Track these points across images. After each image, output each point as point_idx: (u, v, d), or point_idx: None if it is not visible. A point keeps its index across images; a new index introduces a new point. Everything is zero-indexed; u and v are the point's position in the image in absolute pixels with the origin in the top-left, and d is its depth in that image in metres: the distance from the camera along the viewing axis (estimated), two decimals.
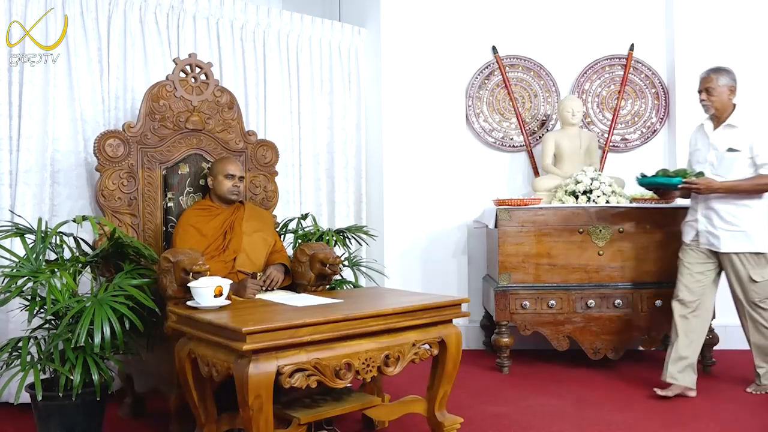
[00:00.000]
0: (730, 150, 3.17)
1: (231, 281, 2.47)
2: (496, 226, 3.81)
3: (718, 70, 3.22)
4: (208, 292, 2.35)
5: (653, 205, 3.77)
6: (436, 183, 4.45)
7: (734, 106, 3.22)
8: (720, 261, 3.25)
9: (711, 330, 3.71)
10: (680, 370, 3.21)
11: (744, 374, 3.67)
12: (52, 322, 2.57)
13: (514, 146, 4.59)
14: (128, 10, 3.45)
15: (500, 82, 4.58)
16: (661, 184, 3.25)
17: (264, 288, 2.80)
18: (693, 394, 3.22)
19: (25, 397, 2.56)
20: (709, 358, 3.73)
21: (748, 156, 3.14)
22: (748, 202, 3.16)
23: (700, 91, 3.24)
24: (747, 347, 4.18)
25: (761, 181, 3.13)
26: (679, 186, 3.18)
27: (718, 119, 3.23)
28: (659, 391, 3.21)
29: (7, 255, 2.58)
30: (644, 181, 3.31)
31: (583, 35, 4.56)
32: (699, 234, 3.27)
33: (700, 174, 3.18)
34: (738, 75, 4.28)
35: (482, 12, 4.55)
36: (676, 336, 3.26)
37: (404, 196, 4.43)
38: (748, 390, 3.31)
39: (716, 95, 3.18)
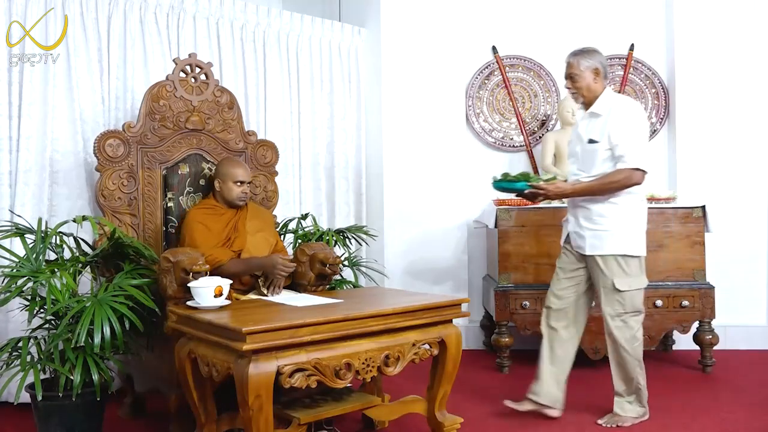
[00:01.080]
0: (591, 141, 2.80)
1: (230, 281, 2.47)
2: (496, 226, 3.81)
3: (579, 53, 2.84)
4: (208, 292, 2.35)
5: (653, 205, 3.76)
6: (436, 183, 4.45)
7: (604, 91, 2.85)
8: (588, 266, 2.89)
9: (711, 330, 3.72)
10: (540, 386, 2.91)
11: (744, 375, 3.67)
12: (52, 322, 2.57)
13: (514, 146, 4.59)
14: (128, 10, 3.45)
15: (500, 82, 4.58)
16: (506, 189, 2.91)
17: (268, 293, 2.79)
18: (554, 413, 2.89)
19: (25, 397, 2.56)
20: (709, 358, 3.73)
21: (606, 147, 2.75)
22: (615, 199, 2.77)
23: (565, 78, 2.89)
24: (747, 347, 4.23)
25: (614, 178, 2.72)
26: (527, 192, 2.82)
27: (588, 107, 2.87)
28: (509, 403, 2.95)
29: (7, 255, 2.58)
30: (495, 185, 2.94)
31: (583, 35, 4.54)
32: (569, 235, 2.94)
33: (552, 179, 2.87)
34: (738, 75, 4.34)
35: (482, 12, 4.55)
36: (542, 348, 2.95)
37: (404, 195, 4.43)
38: (599, 422, 2.86)
39: (580, 81, 2.81)
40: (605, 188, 2.75)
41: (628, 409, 2.86)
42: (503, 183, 2.88)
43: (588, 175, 2.81)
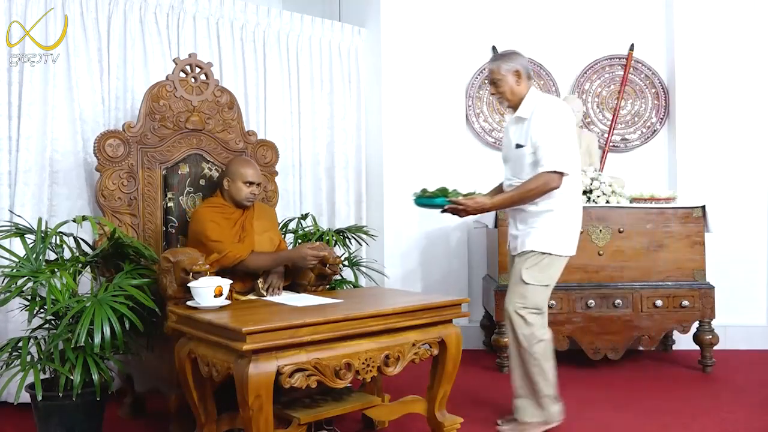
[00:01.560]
0: (518, 146, 2.73)
1: (231, 281, 2.47)
2: (496, 226, 3.82)
3: (498, 57, 2.79)
4: (208, 292, 2.35)
5: (653, 205, 3.77)
6: (436, 183, 4.40)
7: (529, 93, 2.77)
8: None
9: (711, 330, 3.72)
10: (518, 405, 2.78)
11: (744, 375, 3.67)
12: (52, 322, 2.57)
13: None
14: (128, 10, 3.45)
15: None
16: (426, 206, 2.79)
17: (267, 294, 2.79)
18: (555, 423, 2.79)
19: (25, 397, 2.56)
20: (709, 358, 3.73)
21: (530, 151, 2.67)
22: (549, 200, 2.68)
23: (489, 85, 2.83)
24: (747, 347, 4.23)
25: (531, 186, 2.64)
26: (447, 207, 2.72)
27: (515, 111, 2.80)
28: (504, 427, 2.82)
29: (7, 255, 2.58)
30: (415, 202, 2.83)
31: (583, 35, 4.56)
32: (509, 239, 2.90)
33: (471, 194, 2.76)
34: (738, 75, 4.34)
35: (482, 12, 4.56)
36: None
37: (404, 196, 4.40)
38: (499, 423, 2.81)
39: (503, 85, 2.74)
40: (525, 197, 2.67)
41: (529, 414, 2.74)
42: (422, 200, 2.76)
43: (520, 180, 2.73)
